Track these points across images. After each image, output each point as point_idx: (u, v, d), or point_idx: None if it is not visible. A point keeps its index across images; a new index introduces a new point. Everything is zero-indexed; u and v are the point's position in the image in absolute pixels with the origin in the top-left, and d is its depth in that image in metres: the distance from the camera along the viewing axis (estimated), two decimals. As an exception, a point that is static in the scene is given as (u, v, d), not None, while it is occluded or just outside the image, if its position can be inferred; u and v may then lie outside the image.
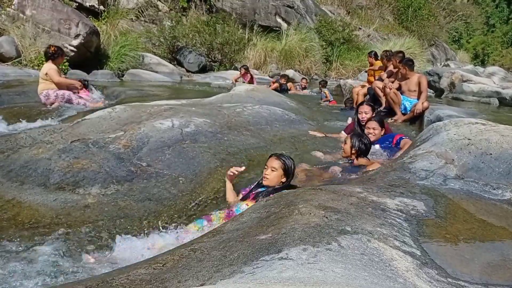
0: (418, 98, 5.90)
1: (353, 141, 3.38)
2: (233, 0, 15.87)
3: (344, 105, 7.83)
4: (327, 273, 1.13)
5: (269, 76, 14.65)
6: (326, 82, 10.27)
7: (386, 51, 7.76)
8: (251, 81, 10.19)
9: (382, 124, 4.12)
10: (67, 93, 5.89)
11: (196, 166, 3.10)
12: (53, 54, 5.92)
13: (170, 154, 3.18)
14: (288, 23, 16.24)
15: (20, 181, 2.79)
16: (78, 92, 6.04)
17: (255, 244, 1.40)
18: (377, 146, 3.89)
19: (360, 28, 18.85)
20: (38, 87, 5.92)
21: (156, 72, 12.07)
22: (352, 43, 16.84)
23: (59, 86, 5.90)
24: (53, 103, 5.81)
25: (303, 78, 11.61)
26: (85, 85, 6.83)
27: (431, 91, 10.63)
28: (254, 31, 15.62)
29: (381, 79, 6.86)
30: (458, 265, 1.38)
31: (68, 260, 2.10)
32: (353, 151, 3.37)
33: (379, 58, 7.98)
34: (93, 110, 4.66)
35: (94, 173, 2.87)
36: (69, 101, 5.87)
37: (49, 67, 5.88)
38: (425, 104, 5.88)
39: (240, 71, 10.62)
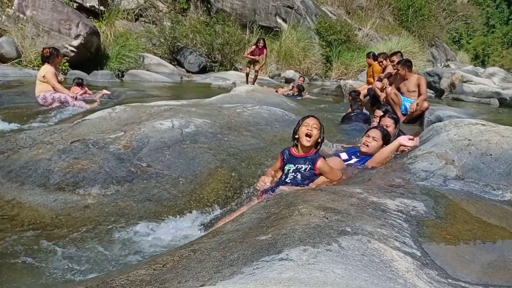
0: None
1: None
2: (233, 0, 15.87)
3: (349, 96, 7.15)
4: (327, 274, 1.13)
5: (269, 77, 14.62)
6: (358, 94, 7.24)
7: (382, 53, 7.77)
8: (261, 51, 10.18)
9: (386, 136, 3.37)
10: (63, 95, 5.90)
11: (196, 166, 3.09)
12: (49, 57, 5.92)
13: (170, 154, 3.18)
14: (288, 24, 16.26)
15: (20, 181, 2.79)
16: (75, 98, 6.03)
17: (255, 245, 1.40)
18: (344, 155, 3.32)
19: (360, 29, 18.86)
20: (36, 88, 5.93)
21: (156, 72, 12.08)
22: (351, 43, 16.84)
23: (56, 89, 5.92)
24: (50, 105, 5.83)
25: (300, 76, 11.56)
26: (79, 83, 6.83)
27: (431, 91, 10.64)
28: (254, 31, 15.63)
29: (380, 80, 6.86)
30: (459, 266, 1.38)
31: (68, 260, 2.09)
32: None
33: (377, 59, 7.99)
34: (92, 111, 4.67)
35: (94, 173, 2.87)
36: (65, 103, 5.88)
37: (46, 69, 5.88)
38: (425, 104, 5.88)
39: (258, 44, 10.32)
